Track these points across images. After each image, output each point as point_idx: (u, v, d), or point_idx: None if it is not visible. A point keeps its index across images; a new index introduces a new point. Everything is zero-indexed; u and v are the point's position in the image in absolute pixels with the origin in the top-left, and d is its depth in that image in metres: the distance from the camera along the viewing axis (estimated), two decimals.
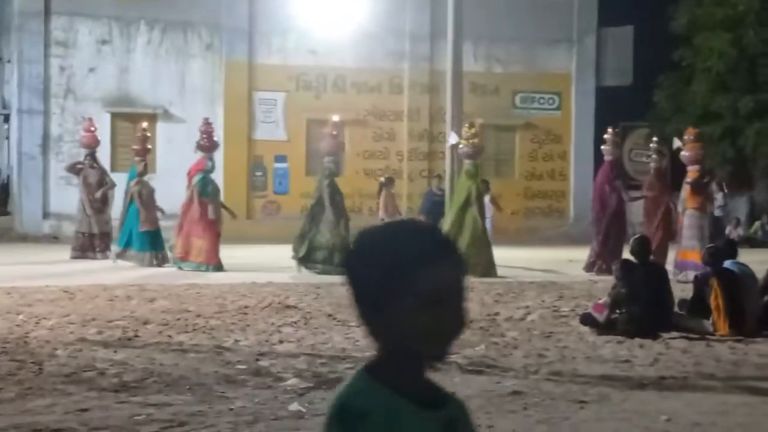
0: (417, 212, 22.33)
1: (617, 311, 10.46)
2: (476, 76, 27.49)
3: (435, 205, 21.49)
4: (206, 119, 18.86)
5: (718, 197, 29.93)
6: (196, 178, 17.45)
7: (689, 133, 17.86)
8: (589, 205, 28.99)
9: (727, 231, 28.02)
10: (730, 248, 11.52)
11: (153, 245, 18.13)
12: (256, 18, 27.20)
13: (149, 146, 19.15)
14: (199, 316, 11.26)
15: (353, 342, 9.67)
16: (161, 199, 22.98)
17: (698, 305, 10.64)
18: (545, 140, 28.91)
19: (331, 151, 17.87)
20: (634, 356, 9.18)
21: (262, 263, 17.70)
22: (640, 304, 10.27)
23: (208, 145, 17.77)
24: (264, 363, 8.46)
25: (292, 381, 7.70)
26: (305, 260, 16.92)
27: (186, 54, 26.97)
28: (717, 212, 29.85)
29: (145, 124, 20.06)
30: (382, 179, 22.98)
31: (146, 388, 7.40)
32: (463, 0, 20.30)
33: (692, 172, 17.33)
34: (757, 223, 28.86)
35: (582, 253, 18.71)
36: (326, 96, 27.61)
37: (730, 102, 28.19)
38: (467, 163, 17.82)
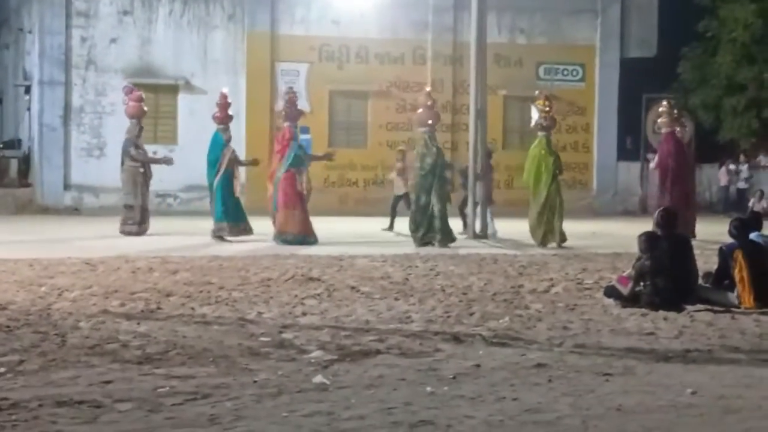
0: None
1: (642, 284, 10.39)
2: (500, 47, 27.32)
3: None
4: (290, 88, 18.80)
5: (743, 169, 29.78)
6: (291, 149, 17.35)
7: None
8: (612, 178, 29.06)
9: (750, 203, 27.87)
10: (755, 220, 11.42)
11: (243, 215, 18.02)
12: None
13: (231, 114, 18.47)
14: (221, 288, 11.26)
15: (377, 314, 9.67)
16: (185, 171, 23.05)
17: (723, 278, 10.55)
18: (569, 112, 28.71)
19: (425, 122, 17.81)
20: (658, 329, 9.12)
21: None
22: (665, 277, 10.21)
23: (294, 114, 17.67)
24: (287, 335, 8.45)
25: (316, 353, 7.68)
26: (423, 234, 17.26)
27: (208, 25, 26.93)
28: (741, 184, 29.74)
29: (225, 90, 19.13)
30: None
31: (169, 360, 7.39)
32: None
33: None
34: None
35: (605, 226, 18.62)
36: (349, 67, 27.56)
37: (755, 73, 27.92)
38: (542, 135, 18.07)
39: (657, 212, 11.09)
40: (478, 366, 7.35)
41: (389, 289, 11.50)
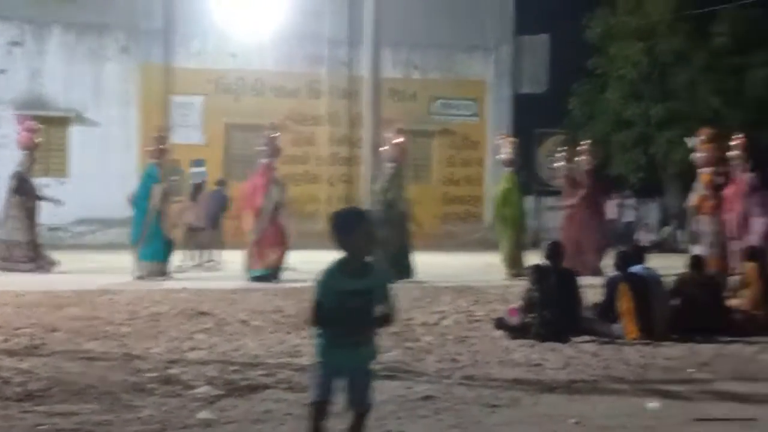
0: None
1: (530, 315, 10.55)
2: (394, 81, 27.62)
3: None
4: (272, 123, 18.55)
5: (631, 202, 30.53)
6: (276, 187, 17.08)
7: (703, 134, 16.32)
8: None
9: (637, 236, 28.56)
10: (639, 253, 11.71)
11: (168, 255, 17.40)
12: (173, 21, 27.00)
13: (163, 147, 17.86)
14: (110, 323, 11.07)
15: (267, 348, 9.60)
16: (77, 204, 22.60)
17: (608, 309, 10.77)
18: (462, 146, 29.12)
19: (393, 158, 17.72)
20: (545, 360, 9.26)
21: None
22: (552, 309, 10.38)
23: (276, 150, 17.54)
24: (174, 371, 8.34)
25: (203, 389, 7.60)
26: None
27: (101, 57, 26.64)
28: (628, 218, 30.46)
29: (163, 124, 18.89)
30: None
31: (52, 397, 7.24)
32: (382, 6, 20.35)
33: (705, 175, 15.82)
34: (667, 229, 29.42)
35: (498, 258, 18.80)
36: (245, 100, 27.51)
37: (642, 110, 28.78)
38: (509, 171, 18.63)
39: (546, 245, 11.29)
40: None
41: (281, 322, 11.45)
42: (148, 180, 17.48)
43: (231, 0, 26.90)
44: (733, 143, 15.92)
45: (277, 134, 17.86)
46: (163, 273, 16.91)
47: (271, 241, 16.78)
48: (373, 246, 5.35)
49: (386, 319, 5.38)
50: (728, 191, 15.57)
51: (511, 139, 19.15)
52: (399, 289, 15.37)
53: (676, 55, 28.55)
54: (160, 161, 17.68)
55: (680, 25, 28.60)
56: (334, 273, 5.25)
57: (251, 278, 16.47)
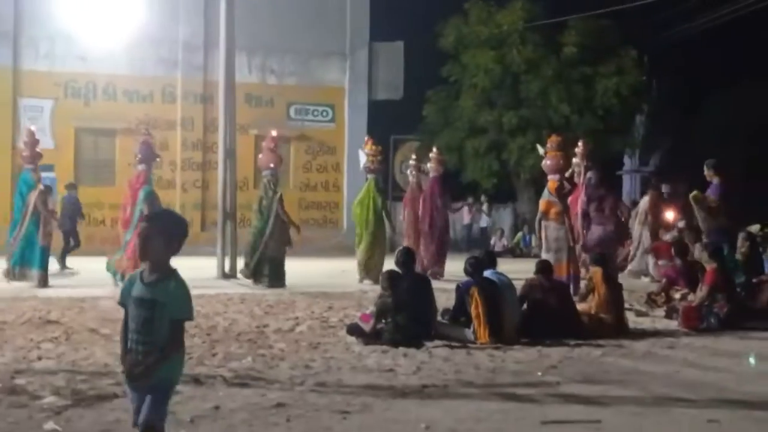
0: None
1: (383, 321, 10.63)
2: (250, 86, 27.51)
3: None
4: (146, 129, 17.91)
5: (484, 208, 31.09)
6: (144, 192, 16.37)
7: (552, 141, 16.30)
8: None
9: (492, 241, 29.12)
10: (490, 258, 11.94)
11: (47, 262, 16.69)
12: (22, 22, 26.23)
13: (39, 150, 17.24)
14: None
15: (116, 357, 9.40)
16: None
17: (460, 314, 10.95)
18: (319, 152, 29.15)
19: (267, 165, 17.39)
20: (397, 365, 9.35)
21: None
22: (406, 314, 10.48)
23: (149, 156, 16.90)
24: (20, 381, 8.14)
25: (50, 399, 7.44)
26: (255, 274, 17.13)
27: None
28: (483, 223, 31.02)
29: (33, 127, 18.21)
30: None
31: None
32: (238, 11, 20.23)
33: (552, 181, 15.82)
34: (520, 234, 30.06)
35: (355, 264, 18.89)
36: (96, 104, 26.94)
37: (495, 117, 29.29)
38: (371, 177, 18.81)
39: (397, 251, 11.39)
40: (217, 408, 7.31)
41: None
42: (24, 186, 17.03)
43: (81, 2, 26.25)
44: (575, 150, 16.37)
45: (150, 139, 17.53)
46: (33, 279, 16.43)
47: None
48: (156, 253, 5.03)
49: (165, 353, 5.09)
50: (572, 197, 15.99)
51: (373, 145, 19.19)
52: (258, 295, 15.35)
53: (528, 63, 29.18)
54: (34, 166, 17.20)
55: (531, 35, 29.24)
56: (135, 277, 5.08)
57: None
